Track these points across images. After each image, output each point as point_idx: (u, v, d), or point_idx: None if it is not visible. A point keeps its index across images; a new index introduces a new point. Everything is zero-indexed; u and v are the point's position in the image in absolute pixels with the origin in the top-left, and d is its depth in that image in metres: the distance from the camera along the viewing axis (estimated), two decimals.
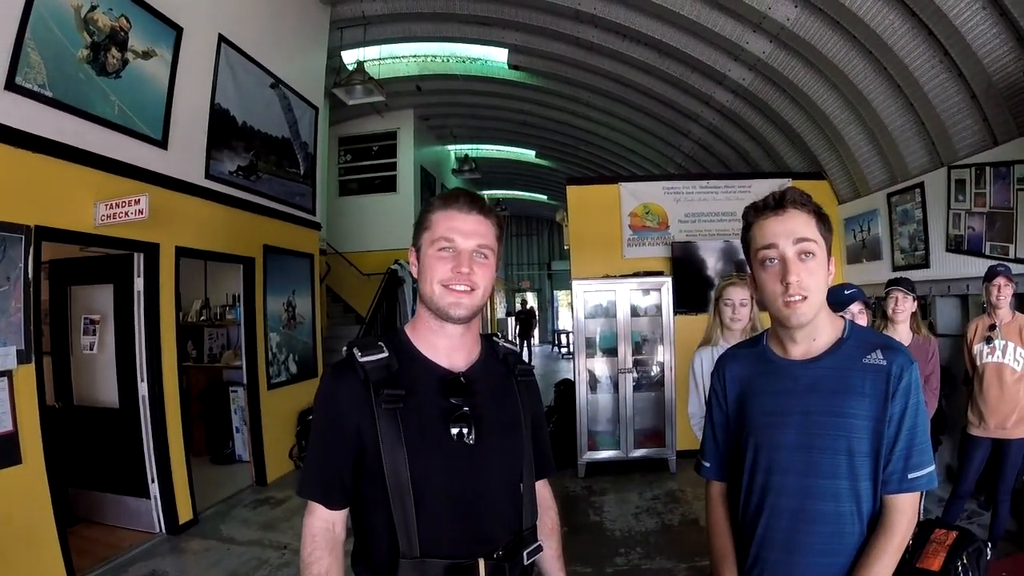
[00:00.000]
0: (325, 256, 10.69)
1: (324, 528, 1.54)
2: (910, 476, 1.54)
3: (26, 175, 4.18)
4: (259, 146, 6.98)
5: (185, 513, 5.64)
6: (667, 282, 7.27)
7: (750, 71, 7.46)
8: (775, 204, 1.61)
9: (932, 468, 1.57)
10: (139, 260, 5.38)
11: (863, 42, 5.78)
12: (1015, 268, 4.46)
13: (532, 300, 27.97)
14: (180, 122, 5.64)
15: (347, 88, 8.92)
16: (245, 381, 7.00)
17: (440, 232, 1.56)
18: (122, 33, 4.93)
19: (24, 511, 4.07)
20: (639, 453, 7.20)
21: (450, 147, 16.20)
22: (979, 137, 5.33)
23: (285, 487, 6.74)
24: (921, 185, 6.15)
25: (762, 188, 2.10)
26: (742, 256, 1.79)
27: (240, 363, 7.18)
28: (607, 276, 7.50)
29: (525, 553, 1.62)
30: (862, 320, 3.65)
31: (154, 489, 5.44)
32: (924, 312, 6.25)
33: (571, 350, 12.85)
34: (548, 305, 28.30)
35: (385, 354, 1.53)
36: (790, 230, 1.57)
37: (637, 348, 7.48)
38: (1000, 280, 4.20)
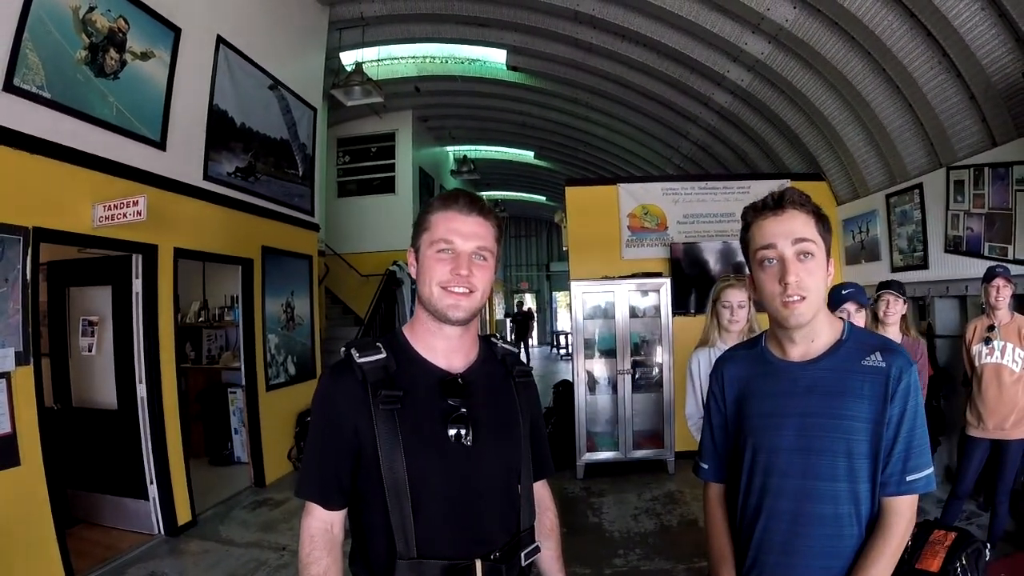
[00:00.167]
0: (324, 257, 10.70)
1: (322, 529, 1.53)
2: (908, 478, 1.54)
3: (24, 176, 4.17)
4: (257, 147, 6.98)
5: (184, 514, 5.63)
6: (666, 283, 7.26)
7: (749, 72, 7.46)
8: (774, 204, 1.61)
9: (931, 470, 1.57)
10: (137, 261, 5.38)
11: (862, 43, 5.78)
12: (1014, 269, 4.46)
13: (531, 302, 27.99)
14: (178, 123, 5.63)
15: (346, 89, 8.92)
16: (244, 382, 7.00)
17: (439, 233, 1.56)
18: (120, 34, 4.92)
19: (23, 513, 4.06)
20: (638, 454, 7.20)
21: (449, 148, 16.22)
22: (978, 138, 5.33)
23: (284, 488, 6.73)
24: (920, 186, 6.16)
25: (761, 189, 2.11)
26: (741, 257, 1.79)
27: (239, 364, 7.18)
28: (606, 277, 7.49)
29: (523, 554, 1.62)
30: (859, 320, 3.66)
31: (153, 491, 5.43)
32: (923, 313, 6.26)
33: (570, 351, 12.85)
34: (547, 306, 28.30)
35: (383, 355, 1.53)
36: (789, 230, 1.57)
37: (636, 349, 7.48)
38: (999, 281, 4.21)
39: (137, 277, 5.39)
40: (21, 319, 4.09)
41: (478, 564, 1.49)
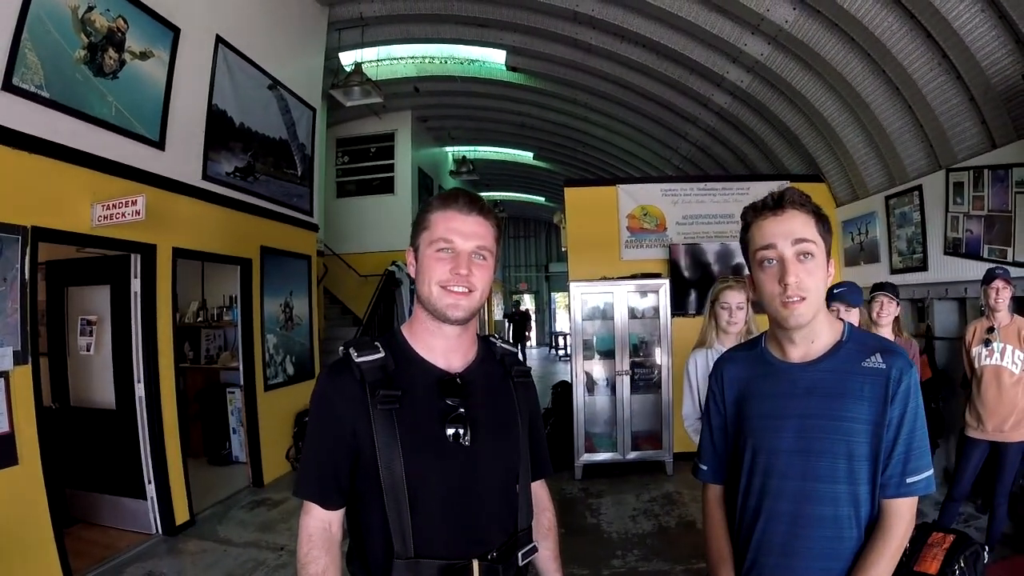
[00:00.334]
0: (322, 258, 10.69)
1: (321, 528, 1.53)
2: (908, 480, 1.54)
3: (23, 176, 4.17)
4: (256, 147, 6.97)
5: (182, 514, 5.62)
6: (665, 284, 7.27)
7: (748, 73, 7.46)
8: (774, 204, 1.60)
9: (930, 472, 1.56)
10: (136, 261, 5.37)
11: (861, 44, 5.78)
12: (1013, 271, 4.46)
13: (529, 302, 28.02)
14: (177, 123, 5.63)
15: (345, 89, 8.92)
16: (242, 382, 7.00)
17: (439, 233, 1.55)
18: (119, 34, 4.92)
19: (21, 512, 4.06)
20: (636, 455, 7.20)
21: (448, 149, 16.22)
22: (978, 140, 5.33)
23: (282, 488, 6.73)
24: (919, 188, 6.16)
25: (760, 190, 2.12)
26: (740, 259, 1.79)
27: (237, 364, 7.17)
28: (605, 278, 7.49)
29: (520, 554, 1.61)
30: (851, 319, 3.67)
31: (151, 490, 5.43)
32: (922, 315, 6.27)
33: (568, 352, 12.85)
34: (545, 307, 28.31)
35: (381, 354, 1.53)
36: (789, 230, 1.57)
37: (634, 350, 7.48)
38: (998, 283, 4.21)
39: (136, 277, 5.38)
40: (19, 318, 4.09)
41: (475, 564, 1.49)
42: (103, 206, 4.72)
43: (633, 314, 7.45)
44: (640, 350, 7.61)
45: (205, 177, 6.08)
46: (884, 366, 1.57)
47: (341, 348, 1.56)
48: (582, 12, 7.84)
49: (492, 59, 10.78)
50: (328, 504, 1.53)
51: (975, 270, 5.18)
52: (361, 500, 1.53)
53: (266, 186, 7.17)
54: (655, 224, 8.03)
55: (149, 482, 5.42)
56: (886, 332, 4.37)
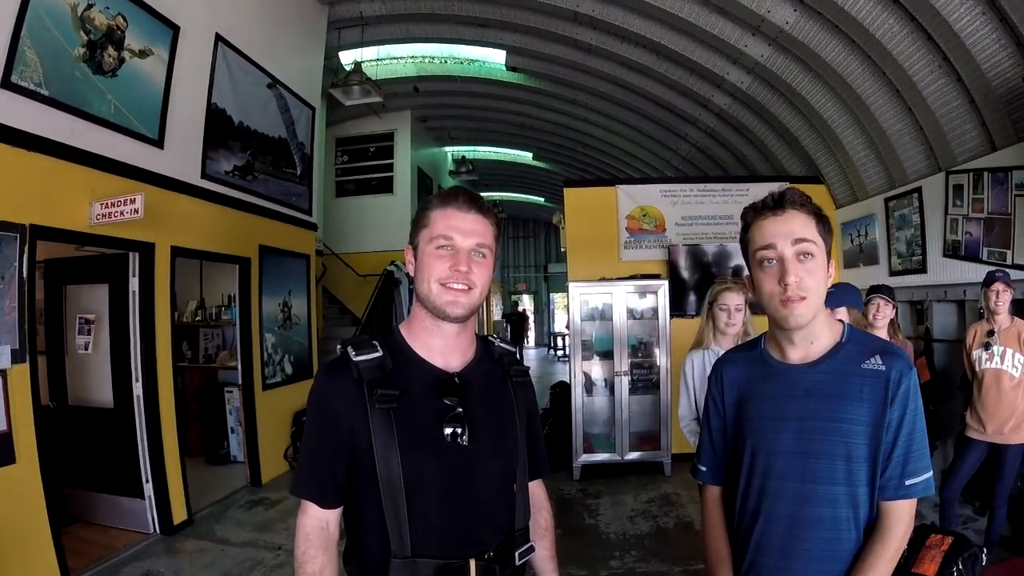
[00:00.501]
0: (321, 257, 10.68)
1: (318, 527, 1.53)
2: (907, 482, 1.53)
3: (21, 174, 4.16)
4: (256, 146, 6.96)
5: (179, 513, 5.62)
6: (663, 285, 7.27)
7: (748, 74, 7.46)
8: (774, 204, 1.60)
9: (929, 474, 1.56)
10: (134, 260, 5.37)
11: (862, 46, 5.78)
12: (1013, 274, 4.46)
13: (528, 303, 28.03)
14: (176, 121, 5.62)
15: (344, 89, 8.93)
16: (240, 382, 6.99)
17: (439, 230, 1.55)
18: (119, 32, 4.91)
19: (18, 511, 4.05)
20: (634, 456, 7.19)
21: (447, 148, 16.23)
22: (978, 142, 5.33)
23: (280, 488, 6.72)
24: (919, 190, 6.16)
25: (759, 192, 2.12)
26: (739, 260, 1.78)
27: (235, 364, 7.16)
28: (603, 279, 7.49)
29: (517, 554, 1.62)
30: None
31: (148, 489, 5.42)
32: (921, 317, 6.26)
33: (567, 352, 12.85)
34: (544, 308, 28.32)
35: (379, 353, 1.52)
36: (789, 231, 1.56)
37: (633, 351, 7.47)
38: (998, 286, 4.22)
39: (134, 275, 5.38)
40: (17, 317, 4.08)
41: (472, 563, 1.49)
42: (101, 204, 4.71)
43: (632, 315, 7.45)
44: (639, 351, 7.60)
45: (204, 176, 6.07)
46: (884, 368, 1.56)
47: (339, 347, 1.56)
48: (582, 12, 7.84)
49: (492, 59, 10.79)
50: (325, 503, 1.53)
51: (974, 272, 5.18)
52: (358, 499, 1.53)
53: (265, 185, 7.16)
54: (654, 225, 8.03)
55: (147, 481, 5.40)
56: (882, 334, 4.38)
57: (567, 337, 12.08)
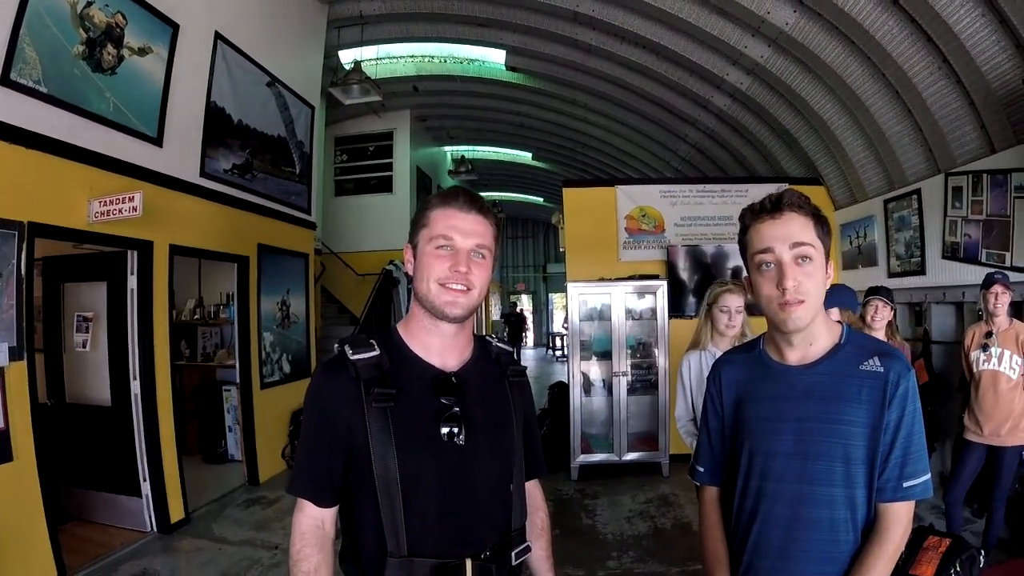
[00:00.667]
0: (320, 256, 10.67)
1: (313, 525, 1.53)
2: (905, 484, 1.53)
3: (20, 171, 4.15)
4: (255, 145, 6.96)
5: (177, 512, 5.61)
6: (662, 286, 7.26)
7: (748, 75, 7.46)
8: (771, 207, 1.59)
9: (928, 476, 1.56)
10: (133, 258, 5.36)
11: (862, 47, 5.78)
12: (1012, 276, 4.46)
13: (527, 303, 28.03)
14: (175, 119, 5.61)
15: (344, 88, 8.92)
16: (238, 380, 6.98)
17: (439, 230, 1.55)
18: (118, 29, 4.90)
19: (15, 509, 4.04)
20: (632, 456, 7.19)
21: (447, 148, 16.21)
22: (977, 144, 5.33)
23: (277, 487, 6.71)
24: (918, 192, 6.16)
25: (758, 193, 2.11)
26: (738, 261, 1.78)
27: (233, 362, 7.15)
28: (602, 279, 7.49)
29: (513, 554, 1.62)
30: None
31: (146, 488, 5.41)
32: (919, 319, 6.26)
33: (566, 353, 12.86)
34: (543, 308, 28.32)
35: (376, 352, 1.52)
36: (787, 234, 1.56)
37: (632, 351, 7.47)
38: (997, 288, 4.22)
39: (132, 273, 5.37)
40: (15, 314, 4.07)
41: (468, 563, 1.49)
42: (100, 202, 4.70)
43: (630, 315, 7.45)
44: (637, 351, 7.60)
45: (203, 174, 6.06)
46: (882, 369, 1.56)
47: (336, 345, 1.56)
48: (582, 12, 7.83)
49: (492, 59, 10.78)
50: (321, 502, 1.53)
51: (973, 274, 5.18)
52: (355, 498, 1.53)
53: (264, 184, 7.16)
54: (653, 225, 8.03)
55: (144, 480, 5.40)
56: (880, 336, 4.38)
57: (565, 337, 12.07)
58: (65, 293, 5.87)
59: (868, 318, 4.48)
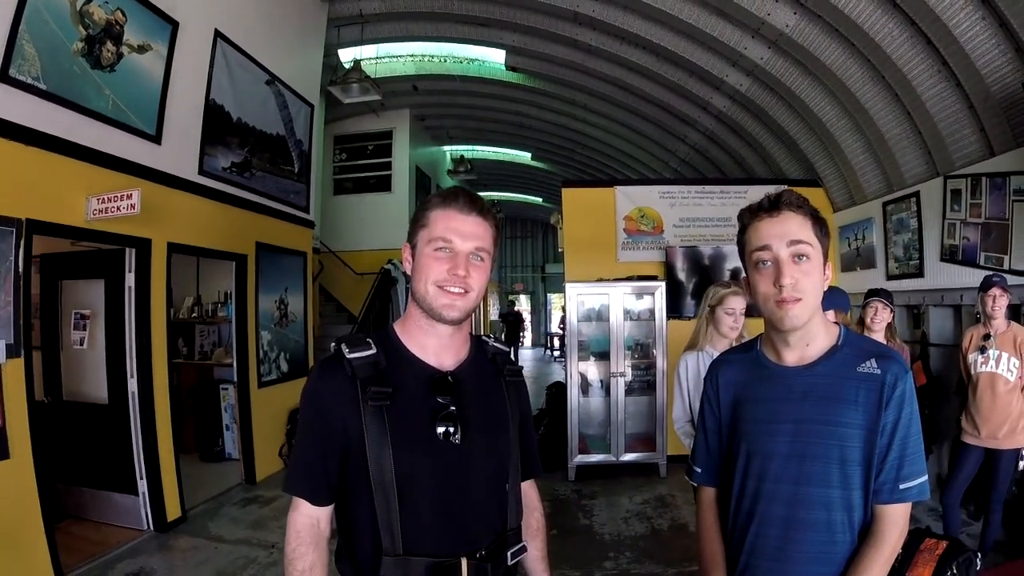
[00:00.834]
0: (318, 255, 10.67)
1: (309, 524, 1.53)
2: (902, 486, 1.53)
3: (18, 168, 4.15)
4: (254, 143, 6.95)
5: (173, 510, 5.61)
6: (661, 286, 7.26)
7: (748, 77, 7.46)
8: (770, 206, 1.60)
9: (924, 478, 1.55)
10: (131, 255, 5.35)
11: (861, 50, 5.78)
12: (1010, 279, 4.47)
13: (525, 303, 28.03)
14: (174, 117, 5.61)
15: (343, 86, 8.91)
16: (236, 379, 6.98)
17: (438, 232, 1.54)
18: (117, 27, 4.90)
19: (11, 507, 4.04)
20: (630, 457, 7.19)
21: (446, 148, 16.21)
22: (976, 147, 5.33)
23: (274, 486, 6.70)
24: (917, 194, 6.16)
25: (757, 194, 2.10)
26: (737, 262, 1.78)
27: (231, 361, 7.15)
28: (601, 279, 7.49)
29: (509, 553, 1.61)
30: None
31: (142, 486, 5.40)
32: (917, 322, 6.27)
33: (563, 353, 12.86)
34: (541, 308, 28.32)
35: (373, 351, 1.52)
36: (784, 232, 1.56)
37: (630, 352, 7.47)
38: (995, 291, 4.22)
39: (130, 271, 5.36)
40: (12, 311, 4.07)
41: (464, 562, 1.49)
42: (98, 199, 4.70)
43: (629, 316, 7.46)
44: (635, 352, 7.60)
45: (201, 172, 6.06)
46: (879, 371, 1.56)
47: (333, 344, 1.56)
48: (582, 13, 7.83)
49: (491, 59, 10.78)
50: (317, 500, 1.53)
51: (971, 277, 5.18)
52: (350, 496, 1.53)
53: (262, 182, 7.15)
54: (652, 226, 8.03)
55: (141, 478, 5.39)
56: (878, 337, 4.40)
57: (564, 337, 12.07)
58: (63, 290, 5.86)
59: (868, 320, 4.50)
